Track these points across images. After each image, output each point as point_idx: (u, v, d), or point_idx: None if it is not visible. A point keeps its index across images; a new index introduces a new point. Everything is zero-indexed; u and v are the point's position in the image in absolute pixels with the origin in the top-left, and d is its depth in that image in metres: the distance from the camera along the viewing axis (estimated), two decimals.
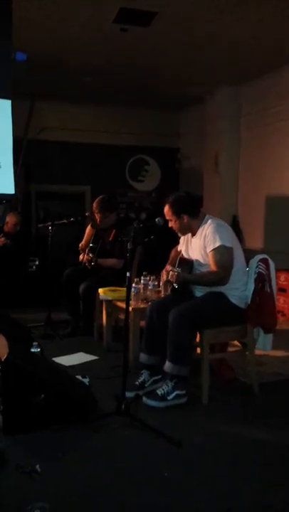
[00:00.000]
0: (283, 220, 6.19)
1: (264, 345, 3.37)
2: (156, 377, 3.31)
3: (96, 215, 4.63)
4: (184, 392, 3.12)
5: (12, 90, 1.50)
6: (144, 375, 3.32)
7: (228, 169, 7.13)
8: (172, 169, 8.82)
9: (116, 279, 4.25)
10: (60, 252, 5.71)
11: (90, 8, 4.43)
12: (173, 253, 3.66)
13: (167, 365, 3.10)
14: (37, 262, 6.06)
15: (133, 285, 3.73)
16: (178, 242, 3.64)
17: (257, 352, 3.40)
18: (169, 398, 3.08)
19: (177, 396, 3.09)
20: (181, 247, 3.57)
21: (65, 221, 4.93)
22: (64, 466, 2.38)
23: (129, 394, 2.98)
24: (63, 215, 5.26)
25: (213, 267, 3.18)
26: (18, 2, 1.48)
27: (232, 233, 3.33)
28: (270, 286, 3.29)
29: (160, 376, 3.30)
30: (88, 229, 4.86)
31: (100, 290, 4.20)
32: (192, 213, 3.31)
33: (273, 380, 3.60)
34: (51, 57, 5.59)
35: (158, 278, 3.85)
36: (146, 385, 3.27)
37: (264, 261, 3.31)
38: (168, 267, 3.35)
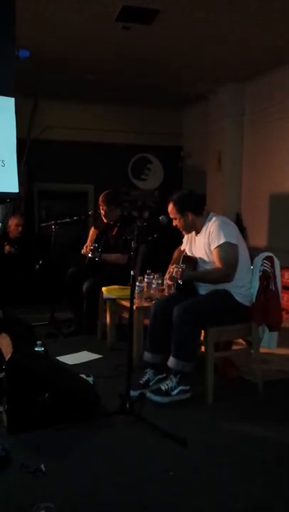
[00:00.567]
0: (287, 217, 6.18)
1: (269, 343, 3.36)
2: (160, 376, 3.31)
3: (101, 207, 4.61)
4: (188, 387, 3.11)
5: (16, 88, 1.49)
6: (148, 374, 3.31)
7: (232, 167, 7.12)
8: (175, 168, 8.81)
9: (119, 277, 4.23)
10: (63, 251, 5.70)
11: (92, 7, 4.42)
12: (176, 253, 3.65)
13: (171, 361, 3.10)
14: (40, 261, 6.06)
15: (137, 284, 3.73)
16: (181, 242, 3.63)
17: (262, 350, 3.39)
18: (173, 393, 3.07)
19: (181, 391, 3.09)
20: (184, 246, 3.56)
21: (68, 220, 4.93)
22: (68, 465, 2.38)
23: (133, 393, 2.98)
24: (66, 214, 5.26)
25: (218, 264, 3.17)
26: (22, 0, 1.47)
27: (237, 230, 3.31)
28: (275, 284, 3.28)
29: (164, 375, 3.29)
30: (92, 231, 4.85)
31: (104, 289, 4.19)
32: (196, 211, 3.30)
33: (278, 378, 3.59)
34: (53, 55, 5.57)
35: (162, 276, 3.84)
36: (150, 384, 3.27)
37: (269, 259, 3.30)
38: (172, 267, 3.33)
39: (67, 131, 7.90)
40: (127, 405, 2.77)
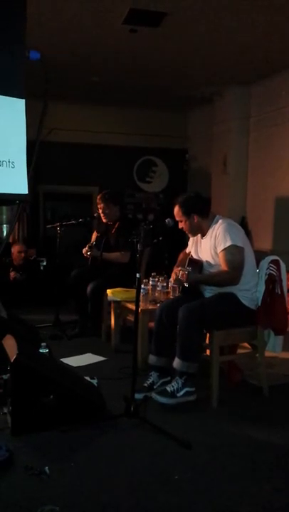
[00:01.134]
0: None
1: (274, 347, 3.34)
2: (165, 379, 3.30)
3: (99, 206, 4.63)
4: (193, 389, 3.10)
5: (25, 89, 1.50)
6: (153, 377, 3.30)
7: (237, 170, 7.11)
8: (180, 170, 8.80)
9: (123, 279, 4.23)
10: (68, 253, 5.72)
11: (99, 10, 4.43)
12: (181, 256, 3.64)
13: (176, 362, 3.09)
14: (45, 263, 6.09)
15: (141, 286, 3.72)
16: (186, 244, 3.63)
17: (267, 354, 3.38)
18: (178, 395, 3.06)
19: (187, 393, 3.08)
20: (189, 248, 3.55)
21: (73, 222, 4.94)
22: (73, 468, 2.37)
23: (138, 395, 2.97)
24: (71, 216, 5.27)
25: (224, 267, 3.16)
26: (30, 3, 1.47)
27: (243, 233, 3.30)
28: (281, 288, 3.26)
29: (169, 378, 3.29)
30: (94, 235, 4.86)
31: (109, 291, 4.19)
32: (202, 213, 3.29)
33: (283, 382, 3.58)
34: (61, 58, 5.59)
35: (167, 279, 3.84)
36: (155, 387, 3.26)
37: (275, 262, 3.29)
38: (177, 270, 3.33)
39: (72, 134, 7.92)
40: (132, 408, 2.76)
